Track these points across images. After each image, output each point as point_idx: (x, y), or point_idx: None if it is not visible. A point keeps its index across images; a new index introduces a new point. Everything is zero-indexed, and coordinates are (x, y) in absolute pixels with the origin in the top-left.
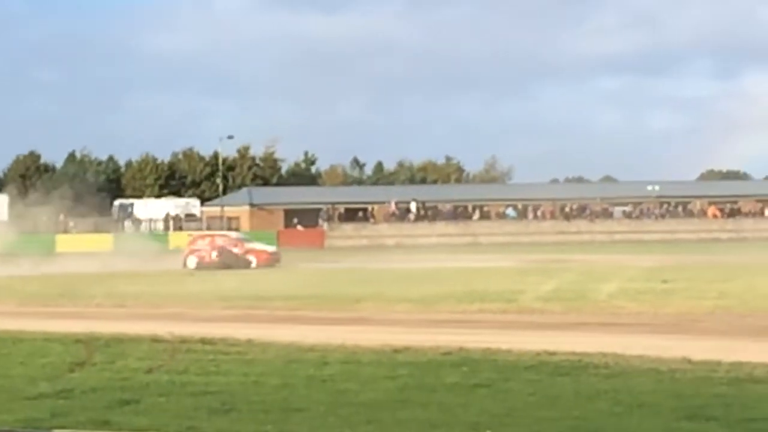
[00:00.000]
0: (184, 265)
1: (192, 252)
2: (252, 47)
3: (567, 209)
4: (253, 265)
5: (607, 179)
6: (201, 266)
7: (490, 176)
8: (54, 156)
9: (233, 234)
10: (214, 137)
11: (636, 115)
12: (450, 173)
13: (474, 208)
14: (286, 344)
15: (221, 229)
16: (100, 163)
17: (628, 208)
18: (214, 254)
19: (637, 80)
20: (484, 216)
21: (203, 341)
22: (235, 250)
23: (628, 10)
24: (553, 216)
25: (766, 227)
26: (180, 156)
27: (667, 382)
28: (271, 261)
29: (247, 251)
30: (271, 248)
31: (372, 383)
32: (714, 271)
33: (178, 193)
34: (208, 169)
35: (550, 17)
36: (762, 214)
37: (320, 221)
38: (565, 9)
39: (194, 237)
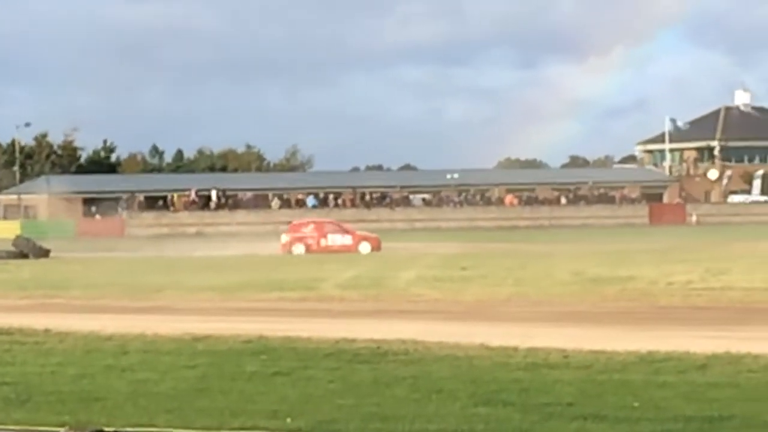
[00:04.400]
0: (289, 251)
1: (298, 239)
2: (50, 33)
3: (367, 197)
4: (367, 251)
5: (407, 168)
6: (309, 252)
7: (291, 165)
8: None
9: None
10: (11, 125)
11: (437, 104)
12: (251, 161)
13: (275, 197)
14: (84, 334)
15: (18, 217)
16: None
17: (427, 196)
18: (323, 241)
19: (438, 70)
20: (285, 204)
21: None
22: (345, 237)
23: (432, 1)
24: (353, 204)
25: (562, 215)
26: None
27: (465, 368)
28: (379, 246)
29: (361, 238)
30: (373, 234)
31: (172, 372)
32: (511, 259)
33: None
34: (5, 157)
35: (353, 6)
36: (558, 202)
37: (120, 210)
38: None
39: (296, 224)
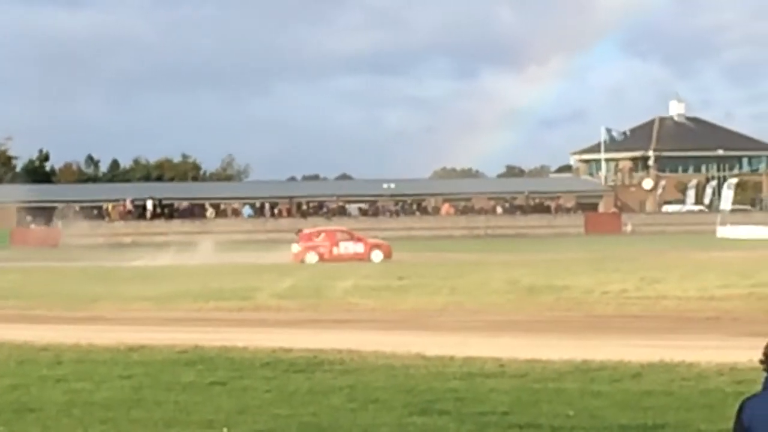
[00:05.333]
0: (302, 260)
1: (311, 248)
2: None
3: (304, 207)
4: (379, 259)
5: (344, 177)
6: (322, 261)
7: (227, 174)
8: None
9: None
10: None
11: (374, 113)
12: (187, 171)
13: (211, 206)
14: (18, 344)
15: None
16: None
17: (364, 206)
18: (336, 250)
19: (376, 79)
20: (221, 214)
21: None
22: (357, 245)
23: (368, 10)
24: (290, 214)
25: (498, 224)
26: None
27: (401, 378)
28: (391, 254)
29: (373, 245)
30: (385, 242)
31: (107, 382)
32: (447, 268)
33: None
34: None
35: (290, 15)
36: (494, 211)
37: (55, 219)
38: (306, 8)
39: (307, 233)
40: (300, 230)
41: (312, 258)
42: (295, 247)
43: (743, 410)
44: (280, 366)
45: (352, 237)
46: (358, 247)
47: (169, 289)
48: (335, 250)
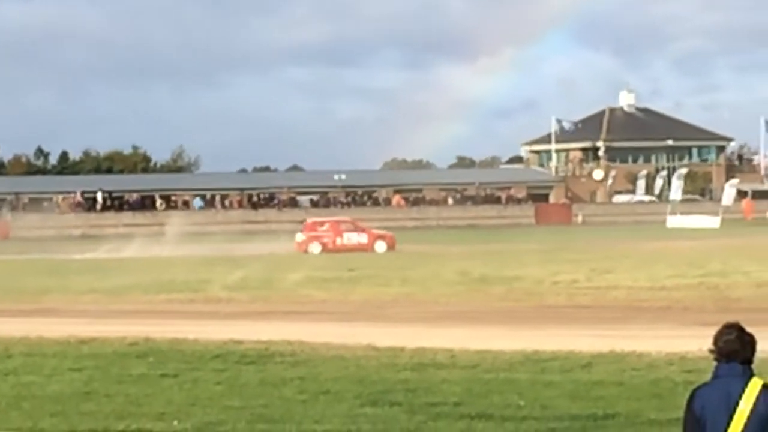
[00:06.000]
0: (305, 250)
1: (314, 238)
2: None
3: (255, 199)
4: (383, 249)
5: (295, 169)
6: (326, 251)
7: (178, 166)
8: None
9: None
10: None
11: (325, 105)
12: (137, 163)
13: (161, 198)
14: None
15: None
16: None
17: (315, 197)
18: (339, 240)
19: (327, 70)
20: (172, 206)
21: None
22: (361, 235)
23: (319, 1)
24: (240, 205)
25: (449, 215)
26: None
27: (353, 369)
28: (394, 244)
29: (377, 236)
30: (388, 232)
31: (57, 375)
32: (398, 259)
33: None
34: None
35: (241, 7)
36: (445, 202)
37: (4, 212)
38: None
39: (311, 223)
40: (304, 220)
41: (316, 248)
42: (299, 237)
43: (694, 399)
44: (231, 358)
45: (356, 227)
46: (362, 238)
47: (119, 282)
48: (339, 241)
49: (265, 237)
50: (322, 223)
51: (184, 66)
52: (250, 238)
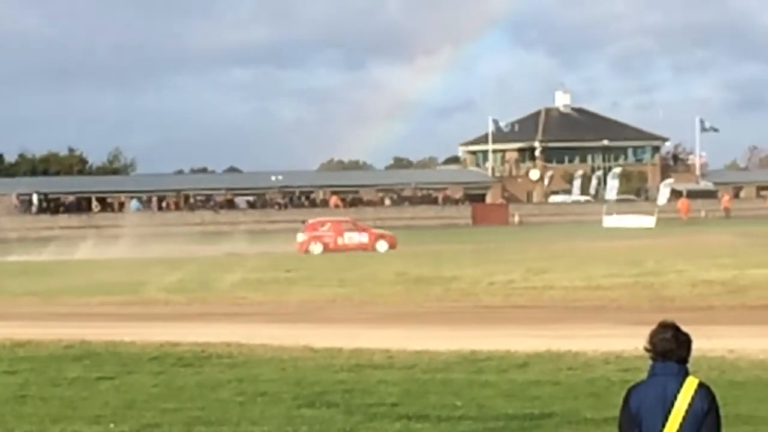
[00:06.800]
0: (306, 251)
1: (316, 238)
2: None
3: (192, 200)
4: (384, 249)
5: (232, 170)
6: (327, 251)
7: (114, 168)
8: None
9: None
10: None
11: (262, 105)
12: (73, 164)
13: (97, 201)
14: None
15: None
16: None
17: (252, 199)
18: (340, 240)
19: (265, 71)
20: (108, 208)
21: None
22: (362, 235)
23: (258, 2)
24: (177, 207)
25: (386, 216)
26: None
27: (290, 370)
28: (395, 244)
29: (378, 236)
30: (389, 232)
31: None
32: (335, 260)
33: None
34: None
35: (179, 7)
36: (382, 203)
37: None
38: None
39: (313, 223)
40: (305, 220)
41: (317, 248)
42: (300, 237)
43: (630, 398)
44: (167, 360)
45: (357, 227)
46: (363, 238)
47: (55, 284)
48: (340, 240)
49: (202, 239)
50: (323, 223)
51: (121, 67)
52: (187, 240)
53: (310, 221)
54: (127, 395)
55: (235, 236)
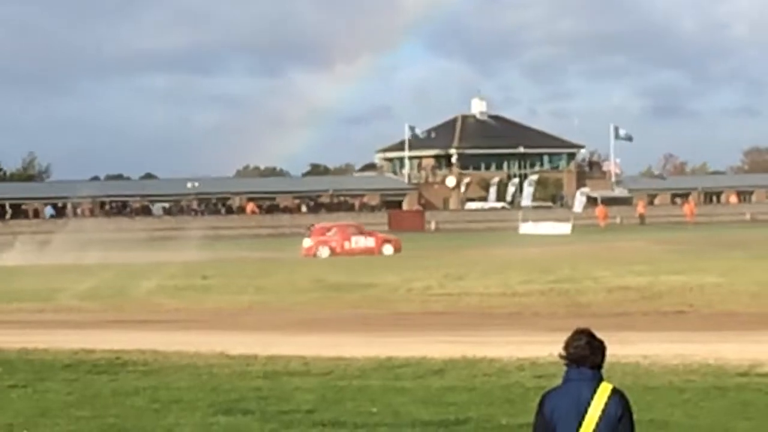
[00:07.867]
0: (314, 254)
1: (323, 242)
2: None
3: (107, 207)
4: (390, 252)
5: (148, 176)
6: (334, 255)
7: (28, 174)
8: None
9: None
10: None
11: (179, 112)
12: None
13: (11, 207)
14: None
15: None
16: None
17: (167, 205)
18: (347, 244)
19: (182, 78)
20: (22, 214)
21: None
22: (368, 239)
23: (175, 8)
24: (93, 214)
25: (303, 223)
26: None
27: (205, 377)
28: (400, 248)
29: (384, 240)
30: (394, 237)
31: None
32: (252, 268)
33: None
34: None
35: (94, 13)
36: (299, 210)
37: None
38: (111, 5)
39: (319, 227)
40: (312, 225)
41: (324, 252)
42: (307, 242)
43: (544, 403)
44: (82, 367)
45: (362, 232)
46: (369, 242)
47: None
48: (347, 245)
49: (117, 246)
50: (329, 228)
51: (36, 72)
52: (102, 246)
53: (317, 226)
54: (40, 403)
55: (152, 243)
